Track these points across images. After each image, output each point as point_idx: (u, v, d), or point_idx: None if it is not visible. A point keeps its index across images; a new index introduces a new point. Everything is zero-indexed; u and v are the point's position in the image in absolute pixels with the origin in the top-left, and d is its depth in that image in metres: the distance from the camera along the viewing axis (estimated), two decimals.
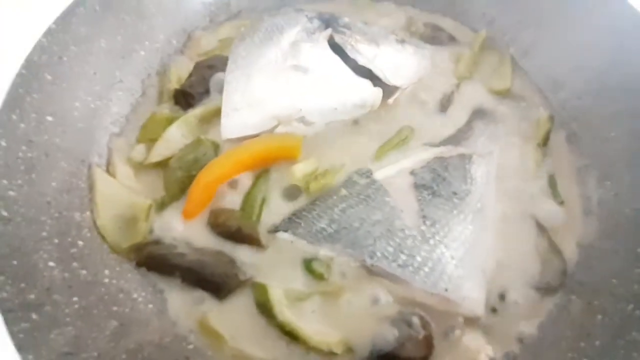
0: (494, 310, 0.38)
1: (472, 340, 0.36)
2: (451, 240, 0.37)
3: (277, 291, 0.35)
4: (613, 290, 0.36)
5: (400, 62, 0.48)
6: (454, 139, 0.46)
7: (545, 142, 0.47)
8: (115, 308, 0.32)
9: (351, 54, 0.45)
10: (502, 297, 0.38)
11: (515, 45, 0.54)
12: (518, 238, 0.41)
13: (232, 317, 0.36)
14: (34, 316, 0.26)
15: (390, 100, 0.48)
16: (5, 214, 0.29)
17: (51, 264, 0.30)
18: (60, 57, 0.39)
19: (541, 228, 0.42)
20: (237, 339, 0.34)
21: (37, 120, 0.36)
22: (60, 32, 0.39)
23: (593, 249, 0.40)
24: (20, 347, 0.24)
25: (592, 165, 0.45)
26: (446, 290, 0.35)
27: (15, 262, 0.28)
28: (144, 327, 0.32)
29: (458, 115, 0.49)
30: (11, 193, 0.30)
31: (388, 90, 0.47)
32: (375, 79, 0.46)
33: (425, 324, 0.35)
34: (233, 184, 0.42)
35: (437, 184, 0.40)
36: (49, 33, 0.38)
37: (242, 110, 0.44)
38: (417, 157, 0.44)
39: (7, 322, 0.24)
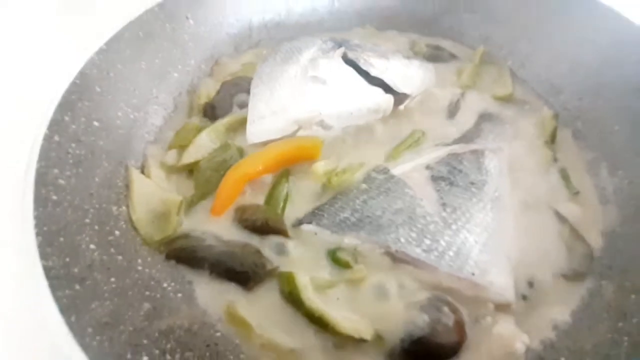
0: (524, 297, 0.37)
1: (506, 328, 0.35)
2: (473, 225, 0.38)
3: (304, 278, 0.36)
4: None
5: (408, 73, 0.52)
6: (465, 139, 0.49)
7: (552, 139, 0.49)
8: (147, 293, 0.33)
9: (364, 66, 0.50)
10: (530, 284, 0.38)
11: (512, 58, 0.58)
12: (540, 227, 0.42)
13: (259, 306, 0.36)
14: (77, 287, 0.27)
15: (402, 107, 0.52)
16: (55, 197, 0.32)
17: (92, 246, 0.32)
18: (108, 73, 0.44)
19: (561, 218, 0.42)
20: (264, 328, 0.34)
21: (86, 124, 0.39)
22: (109, 52, 0.45)
23: (616, 234, 0.40)
24: (63, 310, 0.24)
25: (602, 157, 0.46)
26: (473, 274, 0.35)
27: (61, 239, 0.29)
28: (175, 313, 0.33)
29: (466, 120, 0.52)
30: (61, 181, 0.33)
31: (399, 98, 0.51)
32: (386, 87, 0.50)
33: (454, 309, 0.35)
34: (256, 184, 0.44)
35: (453, 175, 0.42)
36: (100, 52, 0.43)
37: (266, 117, 0.47)
38: (431, 154, 0.46)
39: (52, 287, 0.25)
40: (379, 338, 0.34)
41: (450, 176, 0.42)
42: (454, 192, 0.41)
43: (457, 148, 0.47)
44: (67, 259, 0.28)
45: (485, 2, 0.59)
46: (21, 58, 0.55)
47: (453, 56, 0.62)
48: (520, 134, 0.50)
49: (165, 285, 0.35)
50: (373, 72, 0.50)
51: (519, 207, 0.43)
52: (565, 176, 0.46)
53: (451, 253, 0.36)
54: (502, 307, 0.36)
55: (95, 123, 0.41)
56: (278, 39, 0.64)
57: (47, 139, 0.34)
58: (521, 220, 0.42)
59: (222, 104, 0.53)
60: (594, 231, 0.42)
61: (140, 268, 0.35)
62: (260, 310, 0.35)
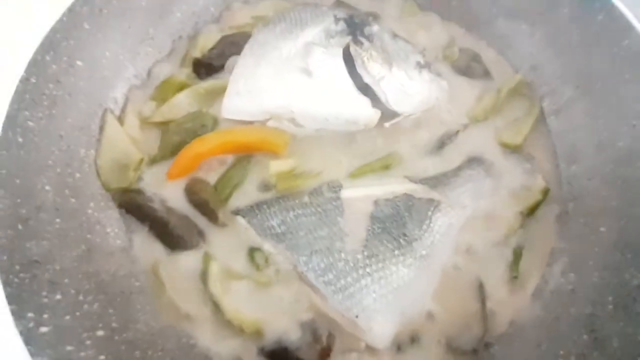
0: (399, 348, 0.40)
1: None
2: (380, 276, 0.39)
3: (216, 265, 0.41)
4: None
5: (409, 89, 0.46)
6: (434, 181, 0.46)
7: (530, 212, 0.45)
8: (89, 236, 0.39)
9: (359, 69, 0.45)
10: (412, 340, 0.40)
11: (550, 99, 0.49)
12: (454, 294, 0.42)
13: (178, 273, 0.42)
14: (19, 226, 0.33)
15: (387, 124, 0.48)
16: (20, 140, 0.36)
17: (47, 187, 0.37)
18: (101, 10, 0.44)
19: (481, 292, 0.42)
20: (175, 291, 0.41)
21: (68, 64, 0.42)
22: None
23: (522, 331, 0.40)
24: None
25: (566, 252, 0.42)
26: (356, 316, 0.38)
27: (17, 181, 0.35)
28: (107, 257, 0.39)
29: (452, 158, 0.48)
30: (30, 123, 0.37)
31: (388, 113, 0.47)
32: (375, 100, 0.45)
33: (329, 339, 0.39)
34: (215, 161, 0.47)
35: (391, 222, 0.42)
36: None
37: (243, 96, 0.47)
38: (389, 187, 0.45)
39: None
40: (258, 334, 0.40)
41: (387, 221, 0.42)
42: (382, 238, 0.41)
43: (418, 190, 0.44)
44: (18, 200, 0.34)
45: (551, 22, 0.47)
46: None
47: (487, 74, 0.52)
48: (498, 195, 0.46)
49: (109, 230, 0.42)
50: (366, 79, 0.45)
51: (451, 267, 0.43)
52: (516, 256, 0.43)
53: (346, 293, 0.39)
54: (372, 350, 0.39)
55: (79, 62, 0.43)
56: None
57: (24, 81, 0.37)
58: (445, 280, 0.42)
59: (214, 62, 0.52)
60: (505, 317, 0.41)
61: (90, 211, 0.41)
62: (178, 276, 0.42)
